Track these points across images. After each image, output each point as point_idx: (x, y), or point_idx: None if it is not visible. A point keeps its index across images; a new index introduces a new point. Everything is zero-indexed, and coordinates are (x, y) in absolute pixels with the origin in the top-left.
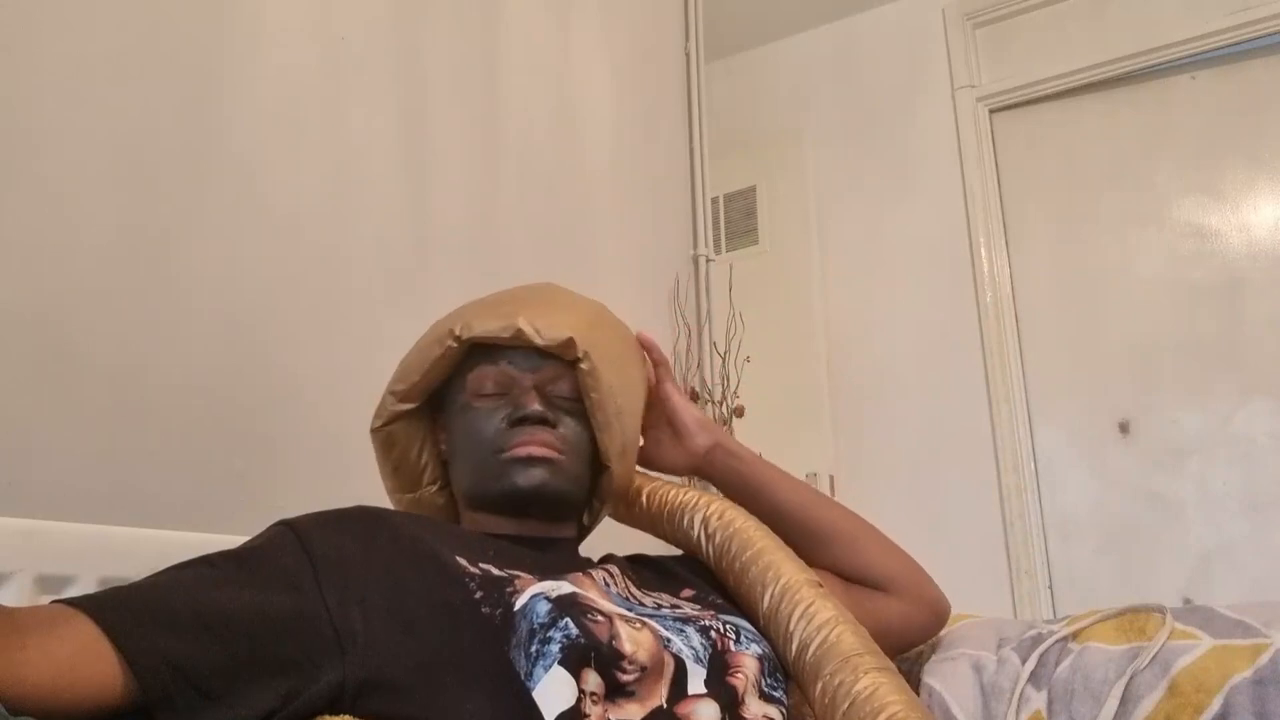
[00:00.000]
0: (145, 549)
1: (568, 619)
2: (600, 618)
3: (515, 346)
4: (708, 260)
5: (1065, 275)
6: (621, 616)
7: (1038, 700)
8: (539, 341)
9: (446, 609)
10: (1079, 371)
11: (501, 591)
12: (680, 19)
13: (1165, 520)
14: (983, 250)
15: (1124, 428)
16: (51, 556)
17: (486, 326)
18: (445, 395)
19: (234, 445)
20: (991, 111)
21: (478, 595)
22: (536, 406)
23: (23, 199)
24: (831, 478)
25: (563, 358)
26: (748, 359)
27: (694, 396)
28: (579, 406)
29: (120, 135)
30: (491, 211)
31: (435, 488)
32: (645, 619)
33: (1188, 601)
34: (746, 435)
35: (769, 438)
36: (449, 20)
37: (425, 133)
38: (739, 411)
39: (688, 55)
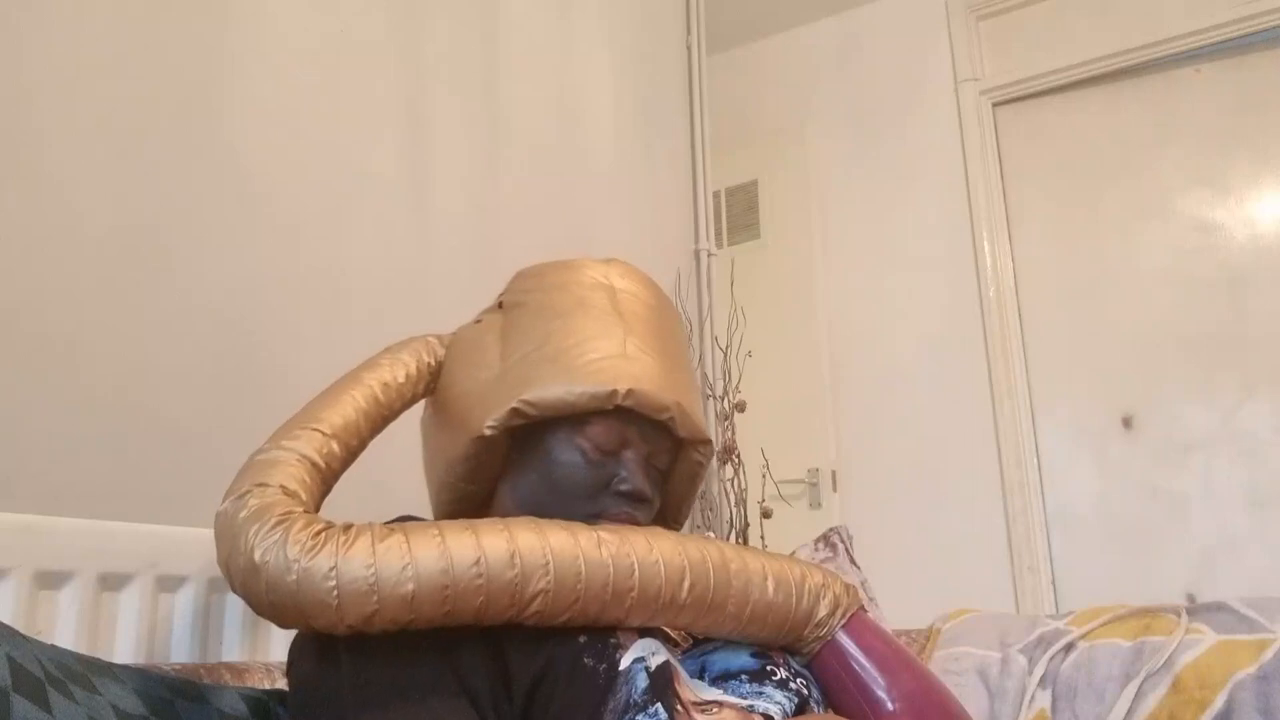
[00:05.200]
0: (142, 544)
1: (659, 706)
2: (680, 709)
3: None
4: (709, 254)
5: (1068, 269)
6: (698, 706)
7: (1042, 699)
8: (682, 433)
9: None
10: (1082, 366)
11: (605, 644)
12: (682, 12)
13: (1168, 515)
14: (985, 244)
15: (1127, 422)
16: (50, 552)
17: (650, 402)
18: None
19: (231, 442)
20: (995, 105)
21: (582, 640)
22: (647, 488)
23: (21, 194)
24: (834, 473)
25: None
26: (749, 354)
27: None
28: (665, 475)
29: (118, 131)
30: (492, 207)
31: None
32: (721, 701)
33: (1190, 597)
34: (749, 430)
35: (771, 433)
36: (448, 14)
37: (425, 129)
38: (740, 406)
39: (689, 49)
